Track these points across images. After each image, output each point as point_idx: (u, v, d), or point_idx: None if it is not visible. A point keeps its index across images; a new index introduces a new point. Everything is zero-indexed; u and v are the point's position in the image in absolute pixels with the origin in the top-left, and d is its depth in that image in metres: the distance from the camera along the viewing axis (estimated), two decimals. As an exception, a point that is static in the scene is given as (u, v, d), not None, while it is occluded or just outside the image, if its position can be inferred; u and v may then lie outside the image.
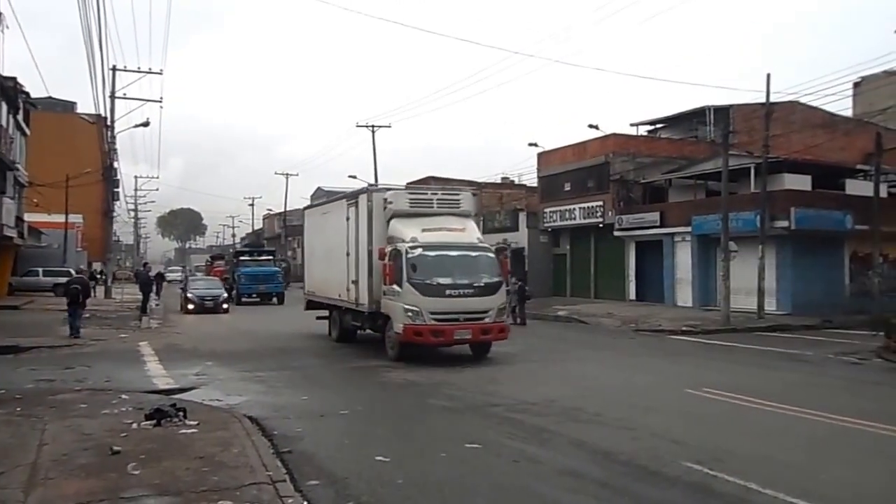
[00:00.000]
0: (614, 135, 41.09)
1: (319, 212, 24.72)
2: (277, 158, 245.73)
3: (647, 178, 40.04)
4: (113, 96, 42.64)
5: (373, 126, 57.62)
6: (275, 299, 44.91)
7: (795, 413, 12.01)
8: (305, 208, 27.85)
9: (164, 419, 10.17)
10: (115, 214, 55.48)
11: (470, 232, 18.79)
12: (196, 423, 10.18)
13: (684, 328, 26.87)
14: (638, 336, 25.74)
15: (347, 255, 20.26)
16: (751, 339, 24.40)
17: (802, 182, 34.07)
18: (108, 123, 43.47)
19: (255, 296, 44.70)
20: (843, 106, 61.71)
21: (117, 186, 59.65)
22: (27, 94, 44.06)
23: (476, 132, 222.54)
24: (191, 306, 35.71)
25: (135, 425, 10.09)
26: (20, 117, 42.90)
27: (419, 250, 17.53)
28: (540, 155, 46.35)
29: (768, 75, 29.69)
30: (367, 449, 9.55)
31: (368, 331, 20.26)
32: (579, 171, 42.84)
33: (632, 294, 39.98)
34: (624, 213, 39.48)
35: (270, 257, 51.43)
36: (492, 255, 18.53)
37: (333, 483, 8.10)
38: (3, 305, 35.16)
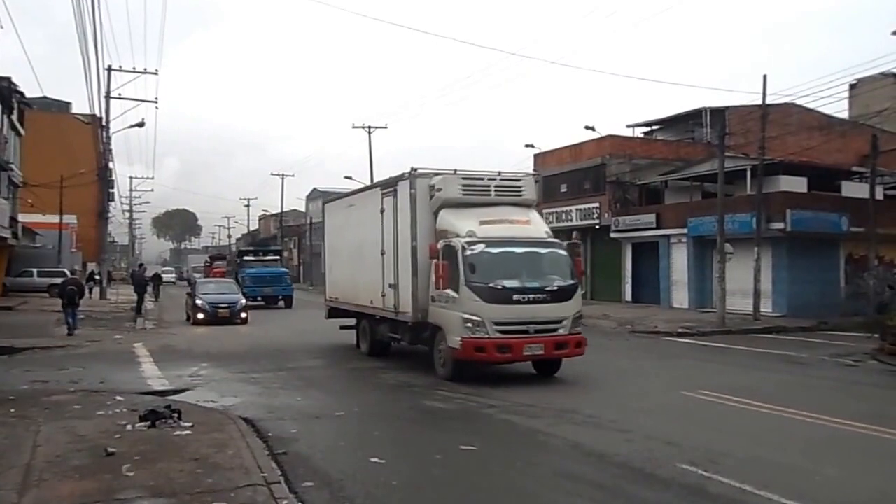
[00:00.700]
0: (611, 136, 41.26)
1: (344, 205, 21.30)
2: (273, 159, 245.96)
3: (644, 179, 40.15)
4: (108, 96, 42.61)
5: (369, 127, 57.68)
6: (282, 302, 41.63)
7: (790, 415, 12.04)
8: (326, 202, 23.87)
9: (158, 421, 10.18)
10: (110, 215, 55.30)
11: (536, 224, 16.05)
12: (191, 424, 10.18)
13: (680, 330, 26.91)
14: (634, 338, 25.78)
15: (383, 254, 17.41)
16: (746, 340, 24.45)
17: (798, 184, 34.19)
18: (104, 123, 43.37)
19: (259, 299, 40.64)
20: (839, 108, 61.74)
21: (112, 187, 59.50)
22: (22, 93, 44.14)
23: (472, 133, 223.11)
24: (201, 315, 29.48)
25: (129, 427, 10.09)
26: (14, 117, 43.06)
27: (479, 247, 14.83)
28: (536, 156, 46.49)
29: (764, 77, 30.02)
30: (362, 451, 9.59)
31: (405, 343, 17.66)
32: (576, 172, 42.98)
33: (628, 296, 40.10)
34: (620, 215, 39.58)
35: (277, 257, 47.56)
36: (563, 251, 15.74)
37: (328, 485, 8.11)
38: (-3, 306, 35.06)
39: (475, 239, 14.93)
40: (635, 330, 27.60)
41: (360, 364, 18.15)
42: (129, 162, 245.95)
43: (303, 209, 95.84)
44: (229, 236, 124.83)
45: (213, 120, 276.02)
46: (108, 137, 44.53)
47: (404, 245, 16.29)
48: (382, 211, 17.47)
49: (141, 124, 45.02)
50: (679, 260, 36.87)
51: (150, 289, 40.11)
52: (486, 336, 14.41)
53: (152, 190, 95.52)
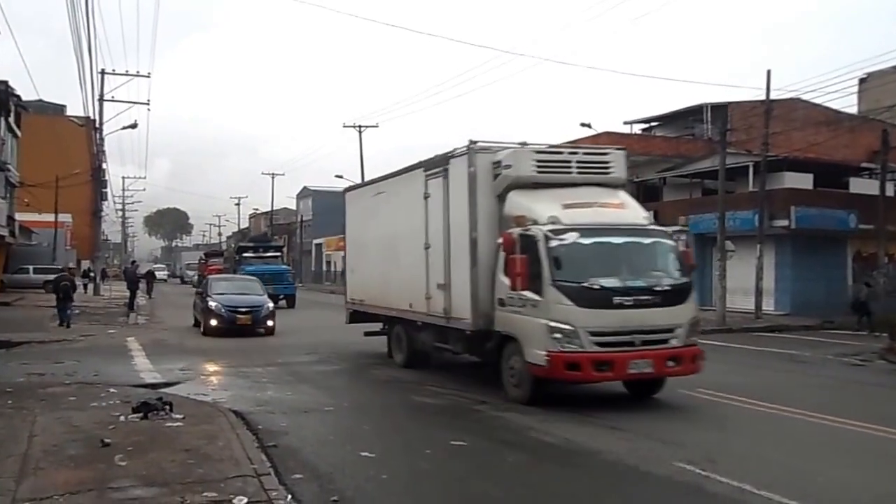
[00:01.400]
0: (606, 133, 39.87)
1: (371, 192, 18.19)
2: (263, 159, 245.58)
3: (641, 176, 39.28)
4: (101, 99, 42.84)
5: (360, 126, 57.44)
6: (283, 302, 36.89)
7: (792, 415, 11.73)
8: (347, 190, 20.66)
9: (150, 412, 10.34)
10: (103, 214, 55.26)
11: (632, 208, 13.14)
12: (182, 416, 10.33)
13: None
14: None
15: (427, 248, 14.65)
16: (747, 339, 24.14)
17: (804, 180, 33.76)
18: (97, 126, 43.44)
19: None
20: (847, 103, 61.16)
21: (105, 187, 59.49)
22: (18, 97, 44.60)
23: (466, 132, 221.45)
24: (214, 322, 22.97)
25: (122, 418, 10.24)
26: (12, 120, 43.43)
27: (570, 236, 11.82)
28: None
29: (768, 71, 29.15)
30: (351, 444, 9.66)
31: (456, 353, 14.87)
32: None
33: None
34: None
35: (278, 254, 44.46)
36: (670, 241, 12.80)
37: (318, 477, 8.16)
38: (-7, 302, 34.84)
39: (561, 227, 11.92)
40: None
41: (352, 362, 17.79)
42: (122, 162, 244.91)
43: (293, 207, 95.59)
44: (220, 234, 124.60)
45: (204, 121, 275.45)
46: (102, 139, 44.80)
47: (460, 236, 13.45)
48: (427, 197, 14.63)
49: (133, 126, 45.28)
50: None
51: (142, 285, 39.77)
52: (581, 350, 11.36)
53: (144, 189, 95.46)
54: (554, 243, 11.73)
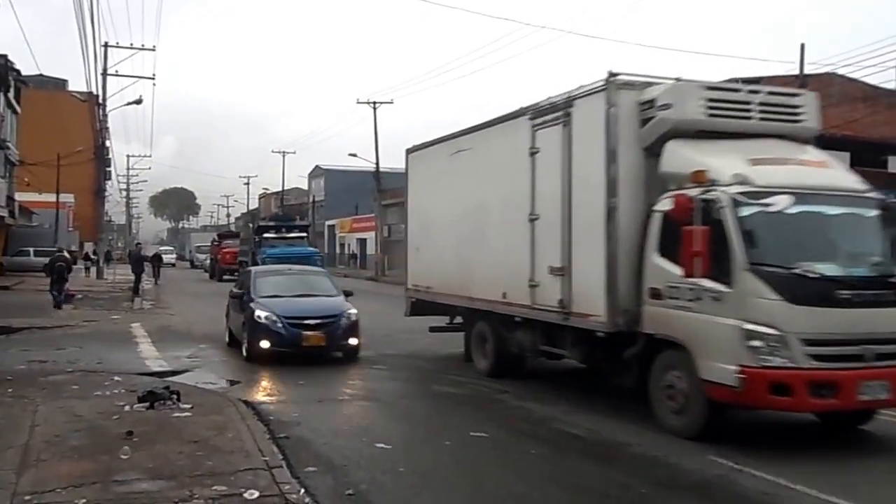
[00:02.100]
0: None
1: (446, 151, 15.11)
2: (273, 137, 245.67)
3: None
4: (105, 73, 42.82)
5: (374, 102, 57.14)
6: None
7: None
8: (411, 151, 17.15)
9: (156, 402, 10.31)
10: (106, 194, 55.65)
11: (838, 169, 10.53)
12: (190, 406, 10.30)
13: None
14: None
15: (533, 219, 11.91)
16: None
17: (840, 159, 33.25)
18: (100, 101, 43.38)
19: None
20: (885, 78, 59.50)
21: (109, 165, 59.88)
22: (18, 71, 44.67)
23: (484, 109, 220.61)
24: (266, 343, 15.03)
25: (127, 408, 10.20)
26: (11, 95, 43.37)
27: (776, 201, 9.09)
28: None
29: (802, 45, 28.75)
30: (366, 436, 9.60)
31: (573, 360, 12.24)
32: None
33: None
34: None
35: (304, 234, 40.96)
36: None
37: (332, 470, 8.15)
38: (-7, 286, 35.08)
39: (754, 188, 9.13)
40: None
41: (366, 352, 16.22)
42: (126, 140, 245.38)
43: (305, 187, 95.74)
44: (228, 215, 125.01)
45: (211, 96, 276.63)
46: (105, 115, 44.71)
47: (588, 203, 10.67)
48: (534, 152, 11.96)
49: (138, 101, 45.20)
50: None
51: (148, 268, 39.69)
52: (793, 365, 8.58)
53: (149, 168, 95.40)
54: (749, 211, 8.97)
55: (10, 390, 11.40)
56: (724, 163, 9.54)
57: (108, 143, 48.93)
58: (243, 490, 6.93)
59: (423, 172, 16.49)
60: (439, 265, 15.26)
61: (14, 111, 46.24)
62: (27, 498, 6.66)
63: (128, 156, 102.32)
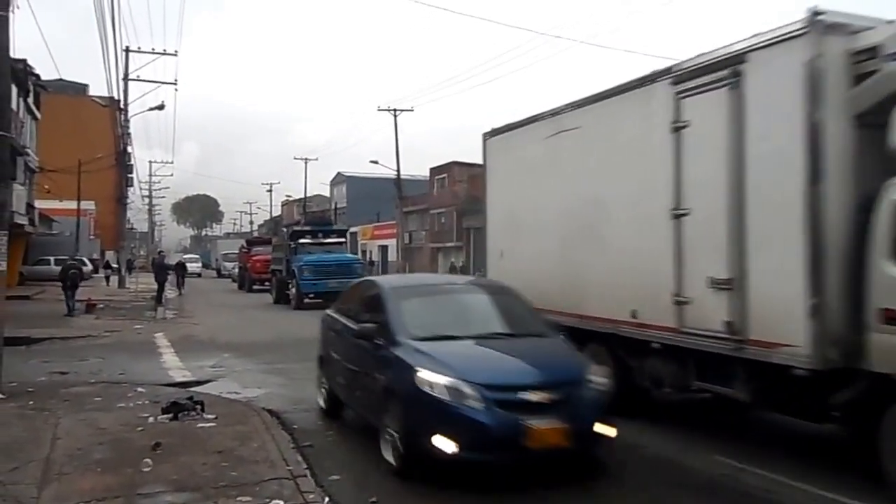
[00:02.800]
0: None
1: (541, 133, 12.65)
2: (295, 143, 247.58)
3: None
4: (126, 78, 43.24)
5: (395, 110, 57.57)
6: None
7: None
8: (489, 135, 14.67)
9: (181, 413, 10.39)
10: (128, 201, 56.18)
11: None
12: (214, 416, 10.38)
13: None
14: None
15: (679, 215, 9.58)
16: None
17: None
18: (122, 106, 43.89)
19: (312, 295, 31.92)
20: None
21: (131, 172, 60.41)
22: (38, 76, 44.90)
23: (503, 116, 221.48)
24: (449, 447, 7.65)
25: (151, 419, 10.29)
26: (31, 100, 43.53)
27: None
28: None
29: None
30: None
31: (741, 398, 9.12)
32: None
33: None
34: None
35: (343, 240, 39.09)
36: None
37: (356, 478, 8.22)
38: (14, 295, 35.35)
39: None
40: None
41: None
42: (148, 146, 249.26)
43: (326, 194, 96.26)
44: (251, 222, 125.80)
45: (233, 103, 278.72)
46: (127, 121, 45.19)
47: (779, 193, 8.20)
48: (680, 127, 9.59)
49: (161, 107, 45.60)
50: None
51: (170, 277, 39.98)
52: None
53: (172, 175, 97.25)
54: None
55: (31, 402, 11.49)
56: None
57: (129, 149, 49.39)
58: (268, 500, 7.01)
59: (508, 160, 14.02)
60: (534, 274, 12.47)
61: (34, 117, 46.25)
62: (50, 512, 6.72)
63: (150, 162, 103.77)
